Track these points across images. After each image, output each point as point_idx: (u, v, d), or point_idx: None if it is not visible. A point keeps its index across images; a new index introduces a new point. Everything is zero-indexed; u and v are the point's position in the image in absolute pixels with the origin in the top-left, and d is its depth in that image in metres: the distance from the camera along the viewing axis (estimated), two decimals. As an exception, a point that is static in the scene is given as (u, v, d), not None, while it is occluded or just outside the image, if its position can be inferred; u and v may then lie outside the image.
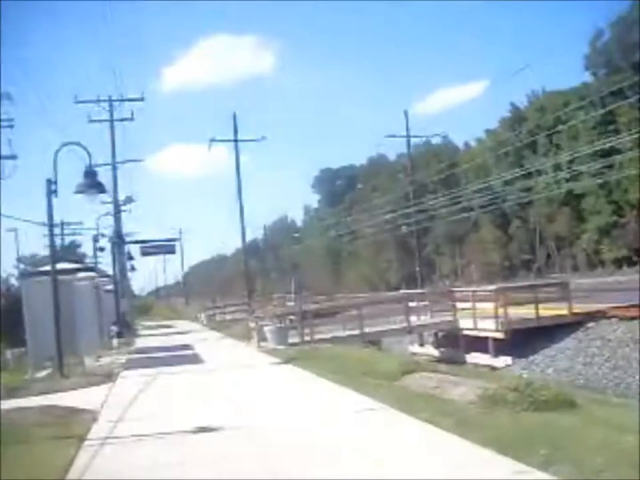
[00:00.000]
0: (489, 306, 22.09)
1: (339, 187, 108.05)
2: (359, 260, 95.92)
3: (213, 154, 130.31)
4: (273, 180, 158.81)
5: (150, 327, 39.26)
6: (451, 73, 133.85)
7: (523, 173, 58.88)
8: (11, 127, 32.29)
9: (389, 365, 12.30)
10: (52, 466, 6.62)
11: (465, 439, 6.30)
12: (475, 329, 22.29)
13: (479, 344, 22.38)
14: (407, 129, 56.14)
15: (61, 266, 17.90)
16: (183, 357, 18.35)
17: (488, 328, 21.74)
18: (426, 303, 25.67)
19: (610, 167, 51.39)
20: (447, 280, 79.75)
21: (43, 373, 15.80)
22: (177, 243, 42.11)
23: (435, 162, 77.85)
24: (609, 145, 47.80)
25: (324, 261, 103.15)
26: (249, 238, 56.09)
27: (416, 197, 59.60)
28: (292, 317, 23.33)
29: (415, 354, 25.46)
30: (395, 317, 24.90)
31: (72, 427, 8.60)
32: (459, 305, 23.92)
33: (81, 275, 18.58)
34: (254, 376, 13.23)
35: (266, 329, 19.66)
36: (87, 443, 7.65)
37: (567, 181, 56.64)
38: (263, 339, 20.03)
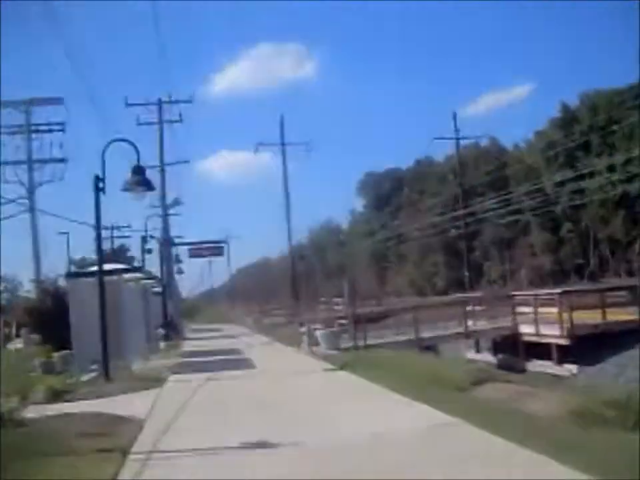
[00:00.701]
0: (552, 310, 20.92)
1: (384, 190, 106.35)
2: (405, 264, 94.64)
3: (258, 159, 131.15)
4: (318, 184, 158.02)
5: (197, 330, 38.78)
6: (497, 75, 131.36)
7: (575, 174, 57.31)
8: (62, 130, 32.33)
9: (455, 374, 11.36)
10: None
11: (568, 466, 5.35)
12: (537, 334, 21.16)
13: (541, 351, 21.23)
14: (456, 130, 55.14)
15: (108, 267, 17.35)
16: (233, 361, 17.60)
17: (551, 334, 20.60)
18: (483, 307, 24.58)
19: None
20: (495, 285, 78.23)
21: (88, 377, 15.22)
22: (224, 245, 41.45)
23: (484, 164, 76.50)
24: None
25: (370, 265, 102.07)
26: (294, 242, 55.45)
27: (464, 200, 58.37)
28: (343, 321, 22.49)
29: (471, 360, 24.33)
30: (450, 321, 23.93)
31: (115, 437, 7.90)
32: (519, 309, 22.78)
33: (128, 276, 17.99)
34: (309, 383, 12.40)
35: (317, 333, 18.84)
36: (130, 457, 6.92)
37: (622, 182, 54.83)
38: (314, 343, 19.23)
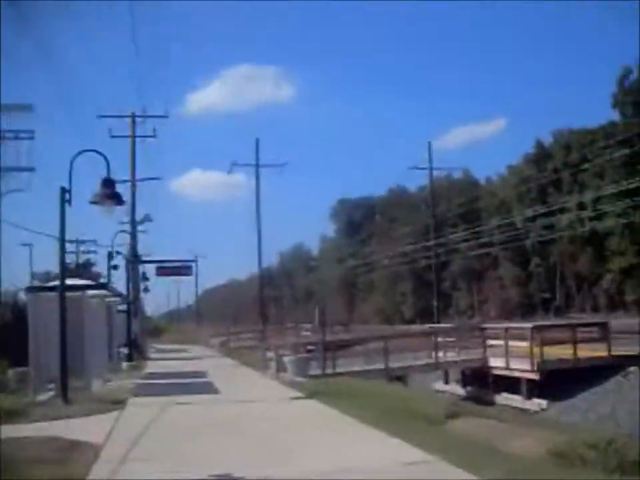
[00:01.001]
0: (522, 344, 20.72)
1: (356, 218, 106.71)
2: (374, 291, 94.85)
3: (231, 181, 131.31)
4: (290, 208, 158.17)
5: (162, 351, 37.86)
6: (472, 108, 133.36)
7: (546, 210, 57.87)
8: (31, 138, 31.41)
9: (428, 406, 10.99)
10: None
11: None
12: (507, 368, 20.92)
13: (510, 384, 20.99)
14: (430, 160, 55.17)
15: (71, 282, 16.72)
16: (197, 385, 17.03)
17: (521, 368, 20.36)
18: (452, 338, 24.32)
19: (635, 207, 50.16)
20: (463, 315, 78.53)
21: (45, 396, 14.55)
22: (193, 265, 40.18)
23: (456, 196, 76.89)
24: (635, 185, 46.61)
25: (338, 291, 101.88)
26: (263, 264, 54.74)
27: (436, 231, 58.46)
28: (311, 347, 22.04)
29: (439, 391, 24.03)
30: (419, 352, 23.62)
31: (70, 465, 7.38)
32: (489, 342, 22.56)
33: (92, 292, 17.34)
34: (275, 412, 11.86)
35: (285, 359, 18.33)
36: (84, 487, 6.43)
37: (591, 219, 55.44)
38: (281, 369, 18.74)
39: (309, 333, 38.81)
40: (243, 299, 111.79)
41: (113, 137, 35.03)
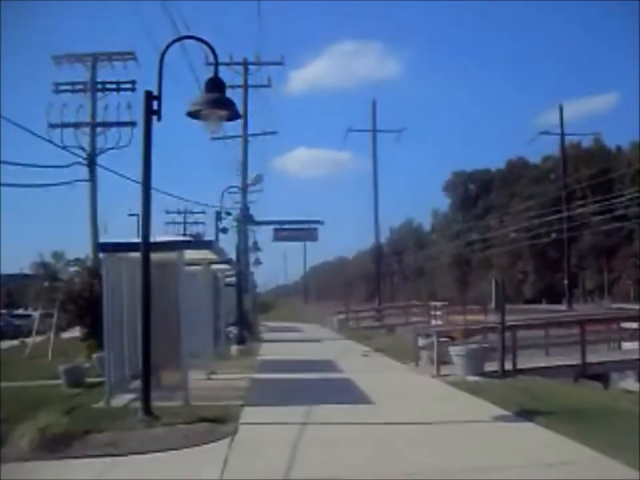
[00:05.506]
0: None
1: (472, 192, 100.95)
2: (490, 269, 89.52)
3: (337, 158, 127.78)
4: (399, 183, 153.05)
5: (274, 329, 33.12)
6: (584, 82, 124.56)
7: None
8: (133, 90, 27.79)
9: None
10: None
11: None
12: None
13: None
14: (561, 124, 48.52)
15: (162, 238, 12.04)
16: (333, 384, 12.19)
17: None
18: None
19: None
20: (591, 297, 73.11)
21: (123, 401, 10.12)
22: (318, 227, 32.84)
23: (584, 166, 71.22)
24: None
25: (450, 269, 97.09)
26: (373, 241, 49.88)
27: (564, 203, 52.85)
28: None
29: (629, 392, 18.49)
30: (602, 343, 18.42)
31: None
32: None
33: (192, 253, 12.59)
34: (494, 455, 6.77)
35: (452, 349, 13.24)
36: None
37: None
38: (440, 361, 13.73)
39: (439, 312, 33.96)
40: (351, 276, 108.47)
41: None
